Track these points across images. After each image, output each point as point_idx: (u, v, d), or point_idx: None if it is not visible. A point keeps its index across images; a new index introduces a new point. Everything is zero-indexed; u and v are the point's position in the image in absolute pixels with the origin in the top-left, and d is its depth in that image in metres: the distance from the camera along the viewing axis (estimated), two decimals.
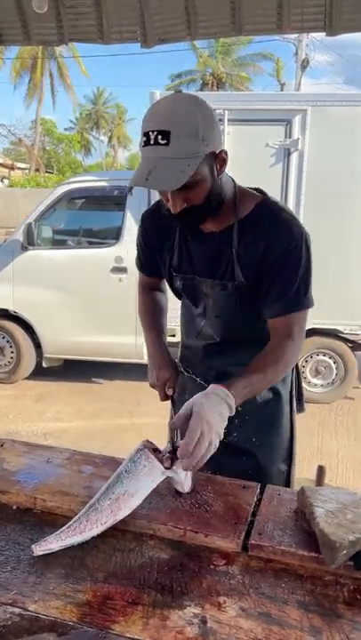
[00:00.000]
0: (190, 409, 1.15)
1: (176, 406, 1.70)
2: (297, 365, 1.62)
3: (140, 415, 4.72)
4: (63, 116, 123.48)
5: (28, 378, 5.66)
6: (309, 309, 1.38)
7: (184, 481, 1.17)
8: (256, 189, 1.45)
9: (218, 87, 31.02)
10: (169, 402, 1.66)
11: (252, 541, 1.05)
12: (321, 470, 1.87)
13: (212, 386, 1.21)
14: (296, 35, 19.11)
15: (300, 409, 1.64)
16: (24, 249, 5.31)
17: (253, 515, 1.15)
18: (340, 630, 0.87)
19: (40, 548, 1.01)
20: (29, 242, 5.25)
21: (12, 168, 29.84)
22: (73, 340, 5.39)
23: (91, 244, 5.67)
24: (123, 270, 5.17)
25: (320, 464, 1.89)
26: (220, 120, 4.70)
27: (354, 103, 4.78)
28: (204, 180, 1.24)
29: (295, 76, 21.55)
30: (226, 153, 1.28)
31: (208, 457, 1.14)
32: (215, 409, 1.16)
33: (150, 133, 1.17)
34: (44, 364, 5.57)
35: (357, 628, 0.87)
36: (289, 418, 1.60)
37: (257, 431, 1.53)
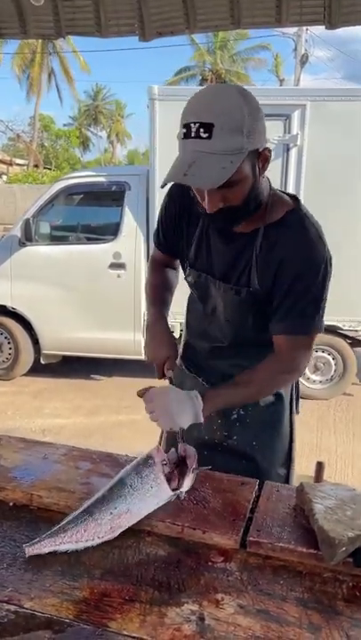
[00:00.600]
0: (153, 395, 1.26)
1: None
2: None
3: (139, 412, 4.68)
4: (61, 112, 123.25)
5: (26, 374, 5.64)
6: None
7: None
8: (290, 195, 1.37)
9: (217, 83, 30.94)
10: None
11: (251, 538, 1.04)
12: (320, 466, 1.86)
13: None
14: (295, 29, 19.06)
15: (296, 410, 1.62)
16: (22, 245, 5.28)
17: (252, 511, 1.14)
18: (338, 627, 0.86)
19: (33, 550, 0.99)
20: (27, 238, 5.22)
21: (10, 164, 29.76)
22: (71, 336, 5.38)
23: (89, 240, 5.65)
24: (121, 266, 5.15)
25: (319, 460, 1.88)
26: None
27: (353, 98, 4.74)
28: (245, 178, 1.15)
29: (294, 71, 21.48)
30: (270, 151, 1.19)
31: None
32: (176, 400, 1.24)
33: (192, 125, 1.08)
34: (42, 361, 5.56)
35: (356, 624, 0.87)
36: (289, 420, 1.57)
37: (258, 434, 1.51)
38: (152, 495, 1.09)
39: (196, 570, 0.98)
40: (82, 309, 5.31)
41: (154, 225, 1.69)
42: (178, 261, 1.57)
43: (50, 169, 33.07)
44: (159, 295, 1.57)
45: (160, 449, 1.18)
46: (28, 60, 34.41)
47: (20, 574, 0.95)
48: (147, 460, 1.14)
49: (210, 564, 1.01)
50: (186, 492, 1.16)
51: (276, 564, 1.01)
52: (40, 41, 28.35)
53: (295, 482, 1.52)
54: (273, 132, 4.81)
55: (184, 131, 1.10)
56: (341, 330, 5.15)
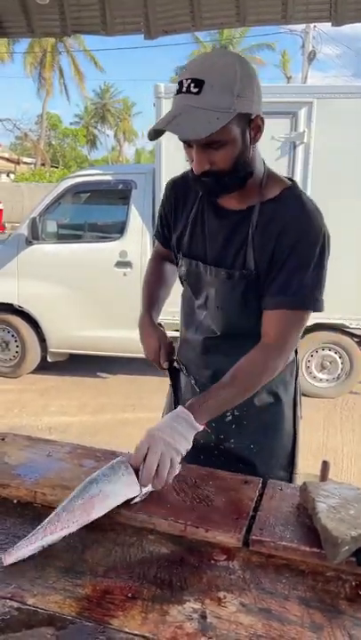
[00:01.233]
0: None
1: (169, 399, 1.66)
2: (298, 370, 1.55)
3: (145, 409, 4.72)
4: (67, 111, 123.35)
5: (32, 372, 5.67)
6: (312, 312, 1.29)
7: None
8: (287, 177, 1.36)
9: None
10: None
11: (254, 537, 1.04)
12: (325, 465, 1.86)
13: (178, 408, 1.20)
14: (303, 26, 18.98)
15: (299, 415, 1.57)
16: (29, 243, 5.31)
17: (255, 510, 1.14)
18: (341, 626, 0.86)
19: (10, 558, 0.96)
20: (34, 236, 5.24)
21: (17, 163, 29.87)
22: (78, 334, 5.39)
23: (95, 239, 5.66)
24: (127, 264, 5.16)
25: (324, 459, 1.88)
26: None
27: (360, 95, 4.73)
28: (233, 141, 1.16)
29: (302, 69, 21.39)
30: (263, 120, 1.19)
31: (173, 475, 1.13)
32: (165, 425, 1.15)
33: (184, 82, 1.11)
34: (49, 359, 5.58)
35: (358, 624, 0.86)
36: (292, 423, 1.52)
37: (255, 437, 1.46)
38: (122, 482, 1.08)
39: (198, 568, 0.98)
40: (88, 307, 5.33)
41: None
42: None
43: (57, 167, 33.15)
44: (150, 291, 1.58)
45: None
46: (38, 58, 34.53)
47: (24, 571, 0.95)
48: (118, 461, 1.14)
49: (212, 562, 1.00)
50: (144, 494, 1.12)
51: (279, 563, 1.01)
52: (51, 39, 28.47)
53: (300, 480, 1.51)
54: (280, 130, 4.80)
55: (177, 87, 1.13)
56: (348, 328, 5.14)
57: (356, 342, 5.24)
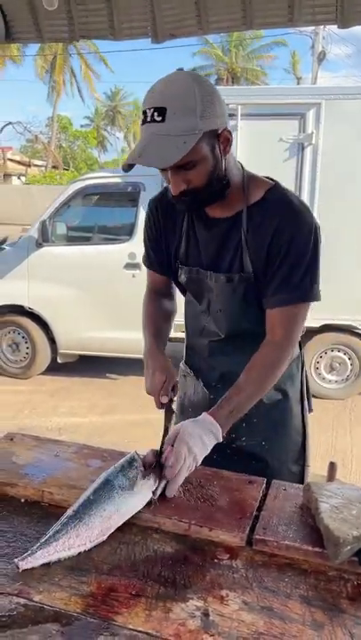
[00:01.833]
0: (178, 431, 1.19)
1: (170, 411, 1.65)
2: (303, 364, 1.58)
3: (154, 410, 4.71)
4: (77, 113, 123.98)
5: (42, 373, 5.72)
6: (317, 305, 1.34)
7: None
8: (267, 177, 1.39)
9: (233, 82, 30.83)
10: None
11: (257, 536, 1.05)
12: (332, 467, 1.86)
13: (203, 414, 1.25)
14: (312, 27, 18.90)
15: (309, 408, 1.60)
16: (39, 245, 5.36)
17: (259, 509, 1.15)
18: (342, 625, 0.87)
19: (25, 564, 0.97)
20: (44, 238, 5.29)
21: (28, 165, 30.07)
22: (87, 335, 5.43)
23: (104, 241, 5.69)
24: (136, 266, 5.18)
25: (332, 460, 1.88)
26: (233, 115, 4.67)
27: None
28: (204, 159, 1.19)
29: (312, 69, 21.33)
30: (230, 132, 1.23)
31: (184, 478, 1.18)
32: (198, 436, 1.19)
33: (147, 111, 1.15)
34: (59, 360, 5.62)
35: (360, 622, 0.87)
36: (300, 418, 1.55)
37: (266, 434, 1.49)
38: (139, 496, 1.11)
39: (201, 566, 1.00)
40: (98, 309, 5.37)
41: None
42: (173, 284, 1.56)
43: (67, 169, 33.33)
44: (153, 323, 1.53)
45: (137, 453, 1.20)
46: (49, 61, 34.76)
47: (31, 569, 0.97)
48: (131, 463, 1.15)
49: (216, 561, 1.02)
50: (157, 498, 1.14)
51: (282, 562, 1.02)
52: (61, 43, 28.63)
53: (311, 479, 1.51)
54: (288, 131, 4.80)
55: (142, 117, 1.17)
56: (357, 329, 5.11)
57: None
